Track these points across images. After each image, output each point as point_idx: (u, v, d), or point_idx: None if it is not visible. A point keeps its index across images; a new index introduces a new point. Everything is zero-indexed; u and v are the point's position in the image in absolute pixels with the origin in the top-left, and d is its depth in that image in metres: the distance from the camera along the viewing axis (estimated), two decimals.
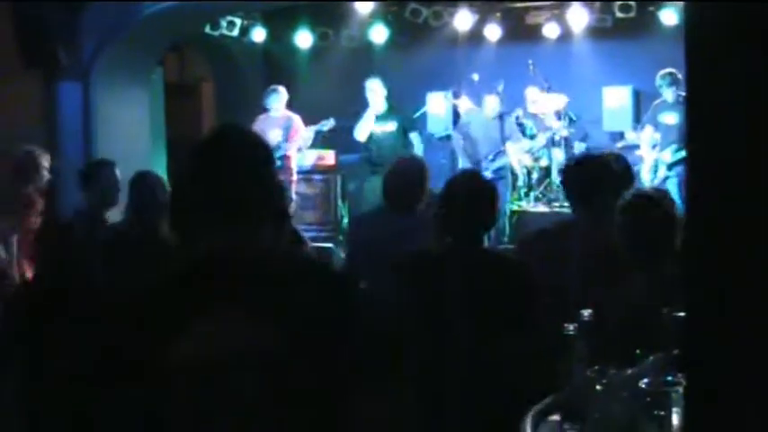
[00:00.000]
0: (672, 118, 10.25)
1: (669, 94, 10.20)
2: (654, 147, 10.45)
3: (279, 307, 2.38)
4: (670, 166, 10.19)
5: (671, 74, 10.13)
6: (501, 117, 11.44)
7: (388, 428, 2.52)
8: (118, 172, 6.64)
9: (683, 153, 10.09)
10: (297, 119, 11.47)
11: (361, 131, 10.92)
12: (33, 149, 7.06)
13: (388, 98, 10.97)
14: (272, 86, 11.69)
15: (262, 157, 2.55)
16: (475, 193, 4.45)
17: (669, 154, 10.20)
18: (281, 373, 2.34)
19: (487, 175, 10.76)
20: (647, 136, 10.52)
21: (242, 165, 2.49)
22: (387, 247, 5.08)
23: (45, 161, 7.10)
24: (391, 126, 10.87)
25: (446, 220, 4.45)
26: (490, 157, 11.30)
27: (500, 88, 11.90)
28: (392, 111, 10.97)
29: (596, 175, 5.20)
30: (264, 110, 11.56)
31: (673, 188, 10.10)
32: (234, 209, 2.47)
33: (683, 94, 9.83)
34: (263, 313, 2.36)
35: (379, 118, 10.90)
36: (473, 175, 4.91)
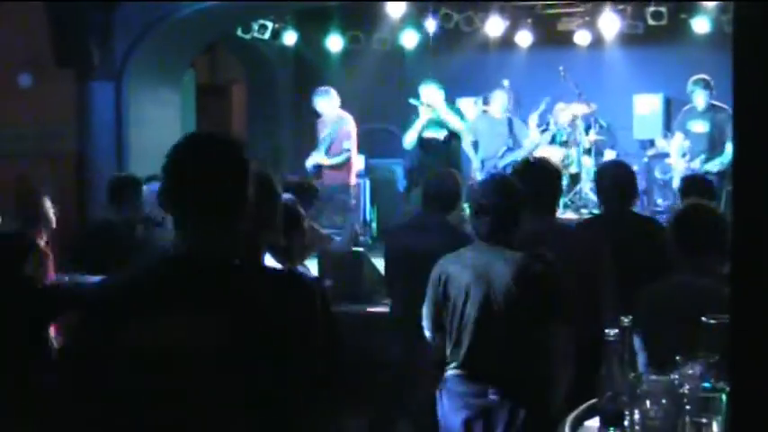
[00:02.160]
0: (701, 126, 10.17)
1: (700, 101, 10.12)
2: (683, 155, 10.37)
3: (235, 308, 2.46)
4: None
5: (703, 79, 10.06)
6: (510, 117, 11.40)
7: None
8: (145, 188, 6.67)
9: (712, 163, 10.03)
10: (348, 119, 11.19)
11: (407, 138, 10.67)
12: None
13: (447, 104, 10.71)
14: (319, 88, 11.34)
15: (232, 165, 2.59)
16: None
17: (698, 163, 10.12)
18: (231, 372, 2.43)
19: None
20: (677, 144, 10.45)
21: (211, 171, 2.55)
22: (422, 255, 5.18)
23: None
24: (441, 134, 10.58)
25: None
26: (499, 153, 11.27)
27: (506, 83, 11.90)
28: (454, 113, 10.69)
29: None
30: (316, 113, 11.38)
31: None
32: (203, 212, 2.54)
33: (713, 102, 9.82)
34: (218, 312, 2.44)
35: (431, 125, 10.59)
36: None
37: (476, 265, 4.43)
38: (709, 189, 6.69)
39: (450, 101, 12.11)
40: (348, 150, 11.00)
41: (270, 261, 4.39)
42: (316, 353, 2.58)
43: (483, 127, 11.45)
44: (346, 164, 11.09)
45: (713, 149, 10.07)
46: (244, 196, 2.57)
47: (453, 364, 4.48)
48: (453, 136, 10.59)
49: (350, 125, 11.14)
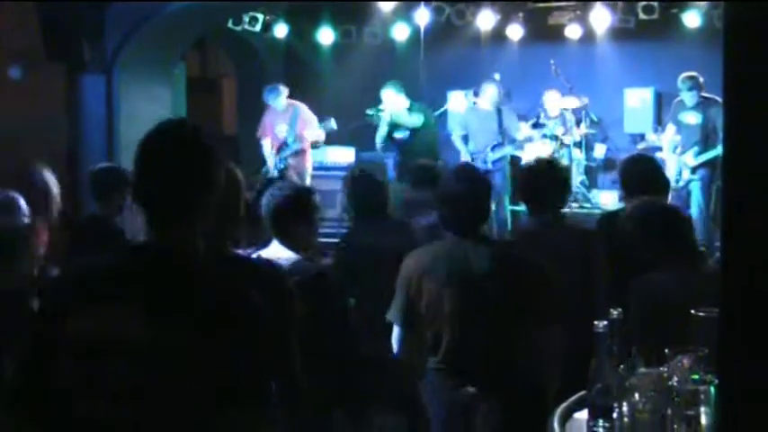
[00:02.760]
0: (693, 118, 10.18)
1: (689, 98, 10.13)
2: (675, 149, 10.38)
3: (194, 299, 2.46)
4: (693, 170, 10.12)
5: (692, 77, 10.06)
6: (499, 110, 11.43)
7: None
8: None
9: (705, 156, 10.04)
10: (302, 108, 11.41)
11: (377, 141, 11.17)
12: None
13: (411, 101, 10.99)
14: (270, 85, 11.64)
15: (198, 156, 2.57)
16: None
17: (691, 157, 10.13)
18: (188, 363, 2.41)
19: (487, 166, 10.83)
20: (669, 137, 10.46)
21: (176, 162, 2.54)
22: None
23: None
24: (404, 134, 10.97)
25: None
26: (489, 148, 11.28)
27: (497, 77, 11.91)
28: (413, 113, 10.93)
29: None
30: (267, 106, 11.59)
31: (696, 191, 10.06)
32: (164, 205, 2.53)
33: (705, 95, 9.82)
34: (176, 303, 2.44)
35: (393, 127, 11.01)
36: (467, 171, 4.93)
37: (450, 258, 4.39)
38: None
39: (441, 94, 12.15)
40: (307, 136, 11.31)
41: (280, 250, 4.40)
42: (283, 344, 2.56)
43: (473, 120, 11.46)
44: (303, 151, 11.34)
45: (705, 142, 10.08)
46: (210, 186, 2.56)
47: (433, 359, 4.44)
48: (415, 131, 10.88)
49: (306, 112, 11.40)
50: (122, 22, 10.61)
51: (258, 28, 13.29)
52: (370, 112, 11.21)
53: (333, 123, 11.39)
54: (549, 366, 4.36)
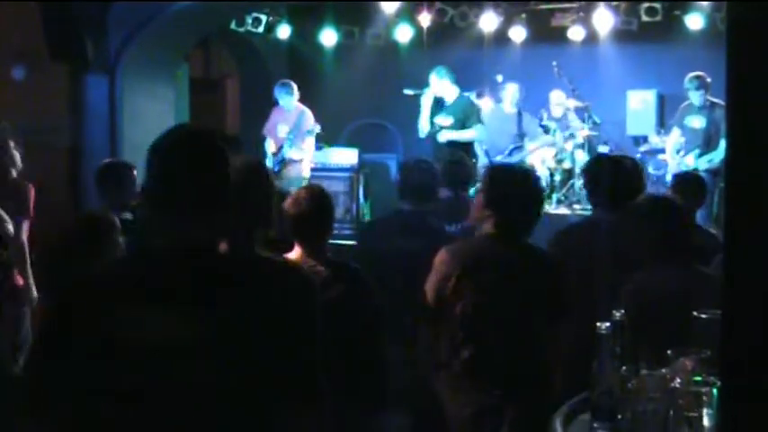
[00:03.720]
0: (698, 122, 10.20)
1: (696, 98, 10.14)
2: (678, 152, 10.39)
3: (224, 303, 2.45)
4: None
5: (699, 77, 10.07)
6: (519, 112, 11.44)
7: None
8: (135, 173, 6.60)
9: (706, 158, 10.05)
10: (308, 115, 11.47)
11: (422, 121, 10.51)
12: None
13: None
14: (283, 81, 11.69)
15: (214, 156, 2.58)
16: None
17: (692, 159, 10.14)
18: (222, 367, 2.41)
19: None
20: (673, 140, 10.47)
21: (192, 163, 2.54)
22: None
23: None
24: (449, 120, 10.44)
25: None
26: (506, 152, 11.29)
27: (499, 79, 11.93)
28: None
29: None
30: (276, 102, 11.61)
31: None
32: (181, 205, 2.53)
33: (711, 99, 9.82)
34: (208, 307, 2.44)
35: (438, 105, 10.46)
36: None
37: (484, 261, 4.41)
38: (701, 186, 6.70)
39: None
40: (308, 142, 11.37)
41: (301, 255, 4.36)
42: (308, 345, 2.56)
43: (492, 121, 11.42)
44: (304, 157, 11.39)
45: (708, 145, 10.09)
46: (224, 185, 2.56)
47: (458, 361, 4.44)
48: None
49: (311, 119, 11.42)
50: (125, 22, 10.61)
51: (261, 29, 13.31)
52: (410, 91, 10.74)
53: (317, 128, 11.43)
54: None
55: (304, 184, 10.84)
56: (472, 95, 12.73)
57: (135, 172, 6.47)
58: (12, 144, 6.85)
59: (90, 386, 2.44)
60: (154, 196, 2.58)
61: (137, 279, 2.50)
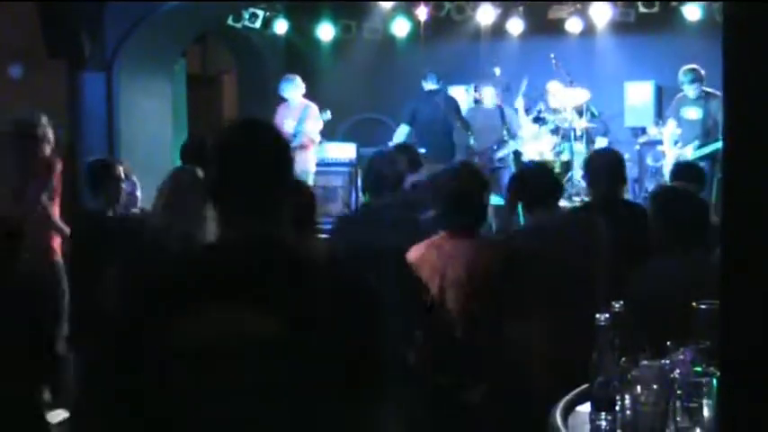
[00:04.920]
0: (694, 113, 10.19)
1: (691, 91, 10.13)
2: (676, 143, 10.38)
3: (289, 299, 2.40)
4: None
5: (694, 70, 10.07)
6: (500, 107, 11.49)
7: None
8: (121, 169, 6.59)
9: (704, 150, 10.05)
10: (314, 109, 11.48)
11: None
12: None
13: None
14: (287, 75, 11.70)
15: (281, 150, 2.57)
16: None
17: (691, 150, 10.14)
18: (286, 365, 2.36)
19: (493, 164, 10.85)
20: (670, 131, 10.46)
21: (262, 157, 2.51)
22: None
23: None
24: None
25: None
26: (494, 146, 11.31)
27: (497, 72, 11.96)
28: None
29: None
30: (282, 99, 11.60)
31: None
32: (253, 199, 2.50)
33: (706, 89, 9.82)
34: (273, 303, 2.38)
35: None
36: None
37: (450, 258, 4.41)
38: (700, 176, 6.71)
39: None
40: (312, 136, 11.41)
41: None
42: (368, 348, 2.52)
43: (476, 118, 11.53)
44: (305, 147, 11.35)
45: (706, 136, 10.09)
46: (288, 183, 2.57)
47: (439, 361, 4.45)
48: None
49: (316, 113, 11.44)
50: (122, 18, 10.60)
51: (258, 24, 13.29)
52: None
53: (328, 114, 11.45)
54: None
55: (310, 177, 10.92)
56: (470, 89, 12.78)
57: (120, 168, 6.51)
58: (44, 121, 7.27)
59: (167, 385, 2.39)
60: (226, 192, 2.53)
61: (223, 274, 2.44)
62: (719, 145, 9.86)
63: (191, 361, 2.35)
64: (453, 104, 11.65)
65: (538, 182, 5.31)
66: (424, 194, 6.10)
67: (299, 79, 11.49)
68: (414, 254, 4.54)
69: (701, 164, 9.83)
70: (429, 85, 11.55)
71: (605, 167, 6.02)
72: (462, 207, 4.46)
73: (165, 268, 2.63)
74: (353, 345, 2.42)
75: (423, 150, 10.05)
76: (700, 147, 10.09)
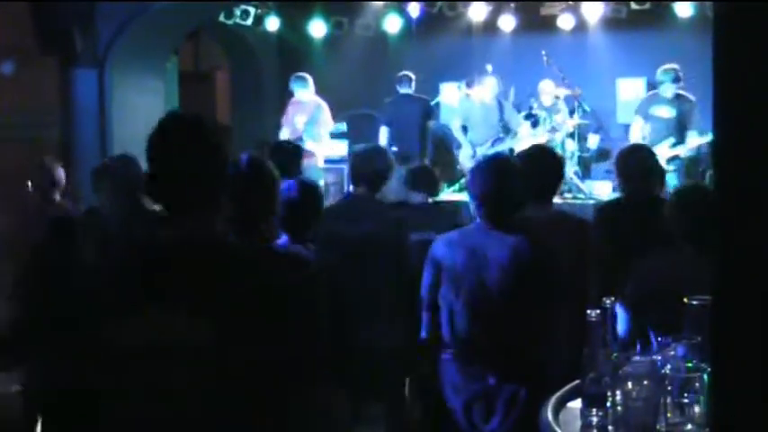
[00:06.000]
0: (666, 111, 10.16)
1: (670, 90, 10.11)
2: (643, 140, 10.35)
3: (218, 296, 2.41)
4: (669, 160, 10.09)
5: (675, 69, 10.07)
6: (500, 103, 11.48)
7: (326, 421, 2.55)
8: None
9: (681, 147, 10.06)
10: (325, 108, 11.46)
11: None
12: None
13: None
14: (299, 74, 11.66)
15: (211, 146, 2.56)
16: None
17: (667, 148, 10.11)
18: (216, 364, 2.37)
19: None
20: (637, 130, 10.39)
21: (190, 154, 2.51)
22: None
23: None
24: None
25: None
26: (488, 143, 11.31)
27: (489, 68, 11.95)
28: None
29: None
30: (290, 94, 11.60)
31: (672, 181, 10.05)
32: (181, 197, 2.50)
33: (679, 92, 9.84)
34: (202, 302, 2.39)
35: None
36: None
37: (471, 248, 4.44)
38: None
39: (434, 85, 12.21)
40: (322, 135, 11.41)
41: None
42: (315, 335, 2.53)
43: (474, 112, 11.50)
44: (316, 147, 11.37)
45: (679, 135, 10.11)
46: (223, 175, 2.55)
47: (451, 348, 4.48)
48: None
49: (327, 112, 11.44)
50: (114, 15, 10.59)
51: (250, 21, 13.28)
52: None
53: (344, 126, 11.53)
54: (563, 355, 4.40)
55: (320, 175, 10.92)
56: (462, 85, 12.78)
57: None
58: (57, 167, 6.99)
59: (89, 382, 2.40)
60: (153, 185, 2.55)
61: (142, 271, 2.46)
62: (693, 144, 10.01)
63: (118, 362, 2.36)
64: (425, 108, 12.13)
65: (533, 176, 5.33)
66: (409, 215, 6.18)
67: (310, 79, 11.47)
68: (438, 242, 4.61)
69: (677, 161, 9.95)
70: (403, 90, 12.05)
71: (639, 164, 5.99)
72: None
73: (100, 267, 2.63)
74: (278, 344, 2.44)
75: (395, 149, 10.56)
76: (675, 144, 10.09)
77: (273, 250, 3.07)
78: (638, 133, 10.31)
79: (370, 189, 5.99)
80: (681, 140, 10.08)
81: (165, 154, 2.51)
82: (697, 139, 10.06)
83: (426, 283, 4.58)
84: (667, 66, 10.14)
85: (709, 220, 4.21)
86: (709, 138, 10.57)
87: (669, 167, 10.01)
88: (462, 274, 4.42)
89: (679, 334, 2.99)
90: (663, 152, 9.98)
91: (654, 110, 10.23)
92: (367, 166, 6.04)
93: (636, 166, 5.94)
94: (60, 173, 6.85)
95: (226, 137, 2.60)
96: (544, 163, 5.24)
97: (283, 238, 4.39)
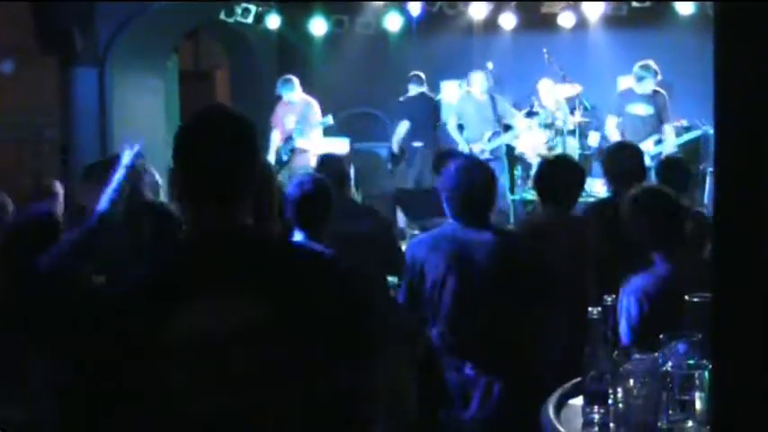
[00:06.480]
0: (643, 109, 10.14)
1: (649, 86, 10.09)
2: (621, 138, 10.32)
3: (269, 286, 2.39)
4: (652, 157, 10.06)
5: (651, 65, 10.06)
6: (492, 97, 11.47)
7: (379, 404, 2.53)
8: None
9: (664, 145, 10.04)
10: (315, 106, 11.54)
11: None
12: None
13: None
14: (285, 77, 11.74)
15: (247, 139, 2.54)
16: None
17: (651, 145, 10.08)
18: (273, 352, 2.34)
19: (485, 156, 10.84)
20: (612, 126, 10.35)
21: (227, 147, 2.48)
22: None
23: None
24: None
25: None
26: (487, 137, 11.31)
27: (490, 66, 11.96)
28: None
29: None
30: (279, 97, 11.65)
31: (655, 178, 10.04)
32: (221, 191, 2.46)
33: (656, 88, 9.83)
34: (254, 292, 2.37)
35: None
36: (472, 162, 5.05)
37: (450, 245, 4.48)
38: (687, 171, 6.68)
39: (435, 84, 12.24)
40: (314, 132, 11.56)
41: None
42: (351, 329, 2.51)
43: (468, 109, 11.50)
44: (309, 145, 11.51)
45: (658, 132, 10.10)
46: (255, 173, 2.53)
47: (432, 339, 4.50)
48: None
49: (317, 110, 11.57)
50: (114, 14, 10.59)
51: (250, 19, 13.27)
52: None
53: (330, 119, 11.49)
54: (548, 352, 4.41)
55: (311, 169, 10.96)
56: (463, 84, 12.78)
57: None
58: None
59: (138, 388, 2.36)
60: (186, 183, 2.51)
61: (192, 271, 2.42)
62: (673, 140, 10.06)
63: (177, 358, 2.33)
64: (435, 106, 12.57)
65: (554, 178, 5.42)
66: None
67: (296, 80, 11.62)
68: (416, 242, 4.67)
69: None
70: (414, 89, 12.38)
71: (626, 162, 6.01)
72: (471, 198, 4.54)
73: (143, 269, 2.59)
74: (335, 328, 2.41)
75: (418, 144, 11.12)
76: (659, 142, 10.07)
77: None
78: (615, 131, 10.27)
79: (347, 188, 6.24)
80: (660, 137, 10.07)
81: (210, 146, 2.48)
82: (674, 136, 10.20)
83: (407, 287, 4.61)
84: (645, 62, 10.12)
85: (669, 224, 4.25)
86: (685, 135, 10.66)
87: (652, 164, 10.00)
88: (441, 273, 4.45)
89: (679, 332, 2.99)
90: (648, 149, 9.97)
91: (630, 108, 10.20)
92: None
93: (624, 164, 5.98)
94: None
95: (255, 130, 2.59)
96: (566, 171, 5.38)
97: (299, 236, 4.39)
